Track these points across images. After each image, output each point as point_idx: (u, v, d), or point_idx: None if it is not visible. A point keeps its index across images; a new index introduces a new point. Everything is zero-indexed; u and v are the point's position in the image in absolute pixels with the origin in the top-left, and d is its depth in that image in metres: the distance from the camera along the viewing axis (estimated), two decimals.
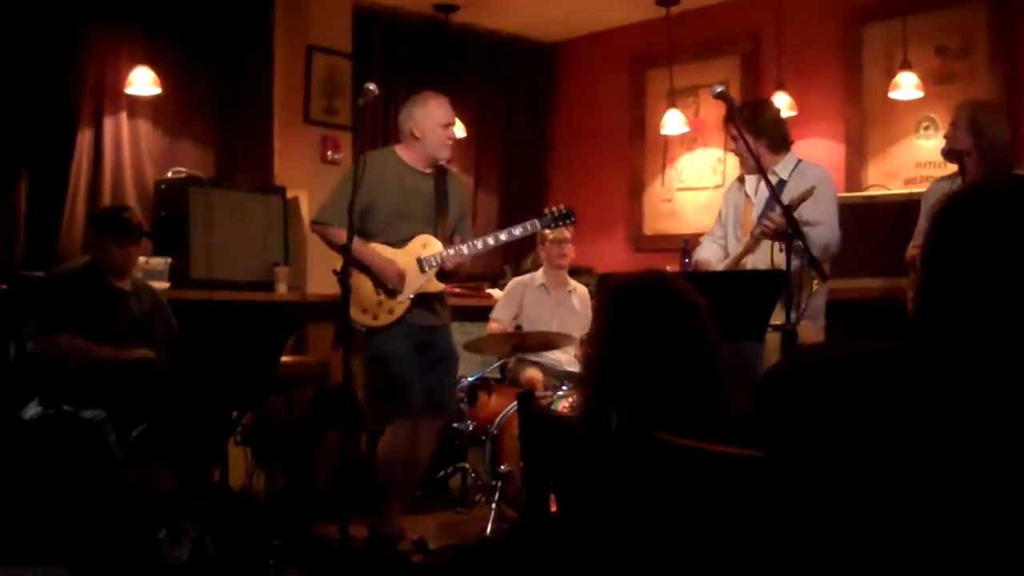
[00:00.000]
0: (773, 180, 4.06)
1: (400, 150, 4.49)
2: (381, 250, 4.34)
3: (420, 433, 4.41)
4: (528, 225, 4.60)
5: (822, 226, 4.01)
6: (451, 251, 4.41)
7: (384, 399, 4.42)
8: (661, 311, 2.04)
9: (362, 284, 4.31)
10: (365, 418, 5.43)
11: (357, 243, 4.21)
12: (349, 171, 4.26)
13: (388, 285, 4.32)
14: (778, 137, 4.22)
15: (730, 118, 4.15)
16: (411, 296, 4.37)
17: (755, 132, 4.13)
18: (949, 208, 1.45)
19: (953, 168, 4.40)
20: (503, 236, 4.55)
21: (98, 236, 4.27)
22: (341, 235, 4.02)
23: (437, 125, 4.42)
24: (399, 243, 4.38)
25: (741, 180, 4.41)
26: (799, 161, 4.27)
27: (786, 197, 3.92)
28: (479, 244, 4.50)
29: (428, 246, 4.41)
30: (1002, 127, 4.29)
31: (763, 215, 3.98)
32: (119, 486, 3.81)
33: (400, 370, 4.35)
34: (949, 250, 1.42)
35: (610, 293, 2.14)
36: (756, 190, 4.24)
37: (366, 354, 4.44)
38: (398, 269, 4.33)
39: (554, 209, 4.74)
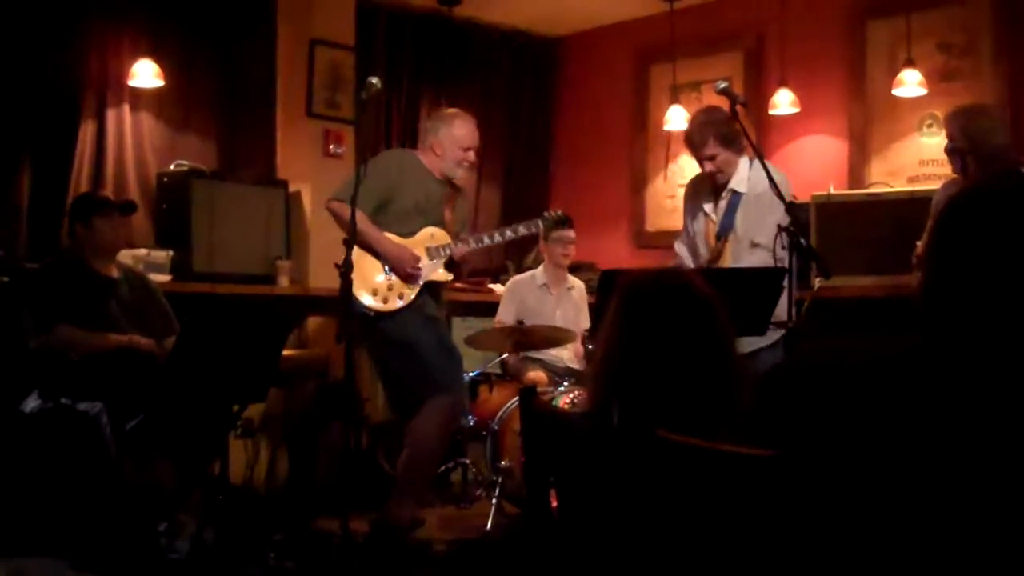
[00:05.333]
0: (727, 194, 4.19)
1: (421, 156, 4.56)
2: (392, 238, 4.39)
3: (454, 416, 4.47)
4: (532, 225, 4.72)
5: (760, 251, 4.03)
6: (459, 243, 4.49)
7: (413, 385, 4.38)
8: (682, 309, 2.03)
9: (371, 267, 4.33)
10: (366, 412, 5.45)
11: (370, 228, 4.30)
12: (373, 161, 4.39)
13: (405, 269, 4.34)
14: (740, 141, 4.19)
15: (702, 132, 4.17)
16: (422, 282, 4.39)
17: (732, 145, 4.15)
18: (953, 207, 1.45)
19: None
20: (509, 233, 4.69)
21: (84, 220, 4.26)
22: (346, 211, 4.08)
23: (458, 147, 4.49)
24: (408, 235, 4.43)
25: (696, 196, 4.37)
26: (751, 162, 4.21)
27: (741, 213, 4.11)
28: (485, 239, 4.64)
29: (436, 236, 4.48)
30: (996, 130, 4.19)
31: None
32: (115, 479, 3.80)
33: (429, 352, 4.36)
34: (953, 248, 1.41)
35: (627, 290, 2.13)
36: (715, 208, 4.24)
37: (381, 339, 4.40)
38: (413, 253, 4.37)
39: (553, 213, 4.93)
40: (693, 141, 4.20)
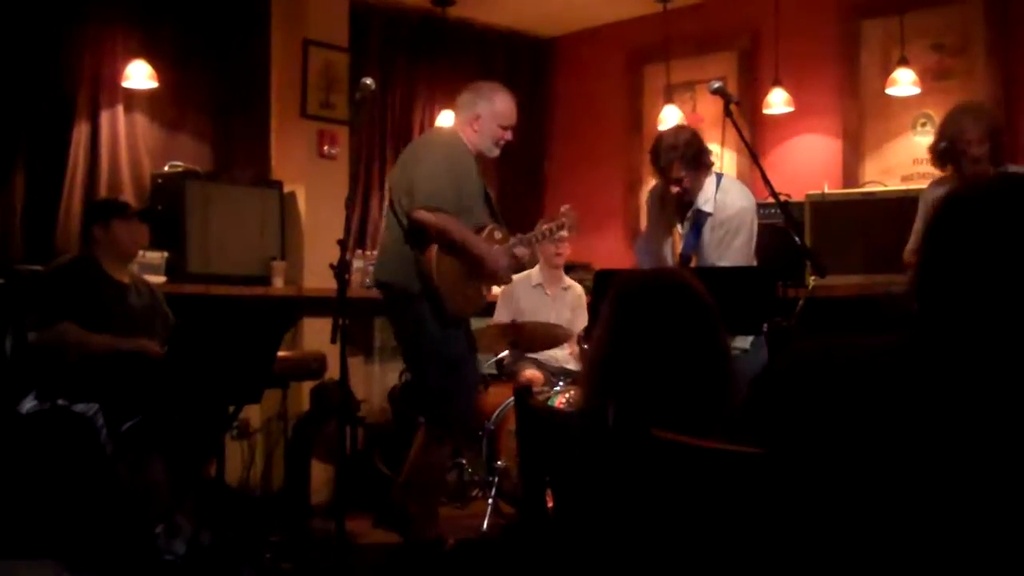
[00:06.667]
0: (692, 214, 4.04)
1: (463, 135, 4.29)
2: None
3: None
4: (557, 223, 4.60)
5: None
6: (520, 246, 4.32)
7: (441, 395, 4.17)
8: (676, 308, 2.04)
9: (455, 275, 4.10)
10: (362, 413, 5.44)
11: (464, 229, 4.08)
12: (452, 154, 4.14)
13: (500, 276, 4.18)
14: (706, 159, 4.06)
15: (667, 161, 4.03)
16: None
17: (698, 166, 4.01)
18: (948, 205, 1.45)
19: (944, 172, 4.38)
20: (545, 231, 4.57)
21: (104, 222, 4.27)
22: (456, 223, 4.01)
23: (498, 124, 4.26)
24: (475, 232, 4.18)
25: (663, 209, 4.23)
26: (719, 178, 4.11)
27: (706, 235, 3.98)
28: (533, 239, 4.48)
29: (501, 236, 4.28)
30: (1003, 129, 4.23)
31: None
32: (110, 480, 3.80)
33: (468, 372, 4.21)
34: (947, 246, 1.42)
35: (622, 290, 2.14)
36: (683, 220, 4.11)
37: (436, 343, 4.13)
38: (503, 261, 4.19)
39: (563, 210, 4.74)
40: (658, 165, 4.06)
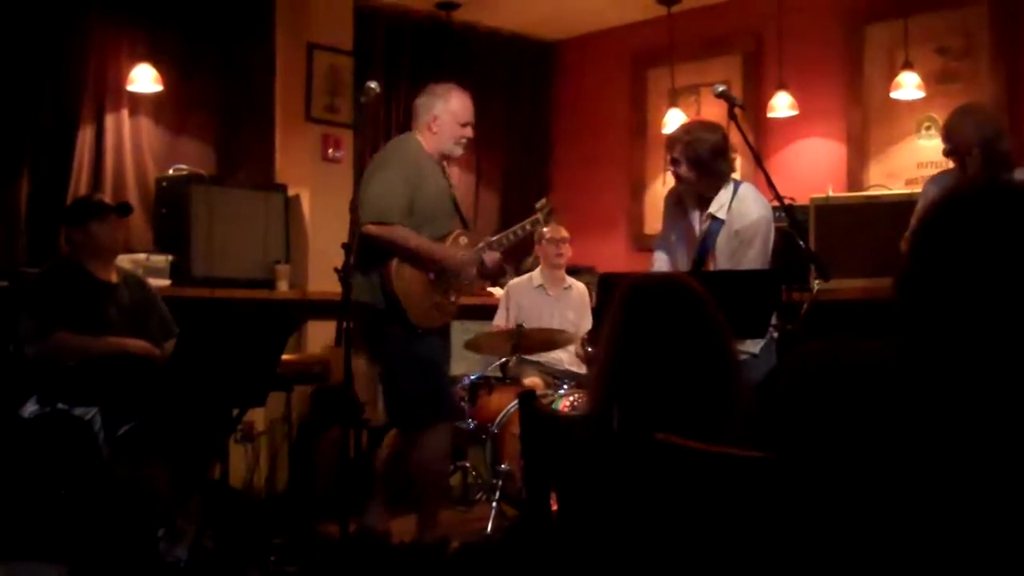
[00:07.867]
0: (707, 219, 3.94)
1: (421, 139, 4.27)
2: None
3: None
4: (532, 222, 4.47)
5: None
6: (488, 250, 4.30)
7: (421, 402, 4.18)
8: (681, 313, 2.04)
9: (418, 285, 4.12)
10: (365, 415, 5.43)
11: (420, 239, 4.08)
12: (405, 163, 4.11)
13: (471, 275, 4.19)
14: (717, 170, 3.92)
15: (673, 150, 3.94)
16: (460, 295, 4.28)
17: (705, 171, 3.90)
18: (939, 207, 1.45)
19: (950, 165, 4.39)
20: (519, 231, 4.45)
21: (81, 225, 4.23)
22: (406, 234, 4.00)
23: (457, 122, 4.25)
24: (440, 240, 4.18)
25: (679, 205, 4.13)
26: (737, 186, 3.97)
27: (720, 242, 3.88)
28: (504, 241, 4.42)
29: (466, 243, 4.27)
30: (1005, 134, 4.22)
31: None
32: (107, 483, 3.79)
33: (444, 376, 4.24)
34: (937, 248, 1.42)
35: (627, 294, 2.14)
36: (698, 224, 4.01)
37: (408, 354, 4.15)
38: (471, 256, 4.20)
39: (541, 203, 4.61)
40: (668, 143, 4.00)
